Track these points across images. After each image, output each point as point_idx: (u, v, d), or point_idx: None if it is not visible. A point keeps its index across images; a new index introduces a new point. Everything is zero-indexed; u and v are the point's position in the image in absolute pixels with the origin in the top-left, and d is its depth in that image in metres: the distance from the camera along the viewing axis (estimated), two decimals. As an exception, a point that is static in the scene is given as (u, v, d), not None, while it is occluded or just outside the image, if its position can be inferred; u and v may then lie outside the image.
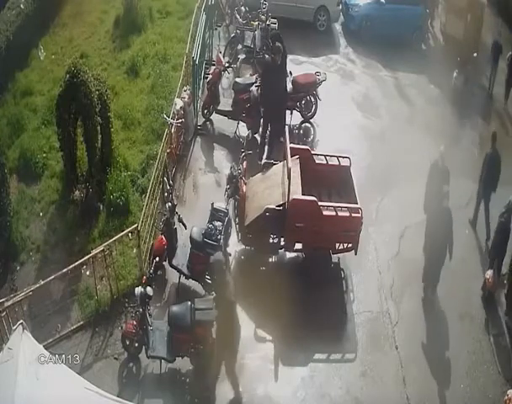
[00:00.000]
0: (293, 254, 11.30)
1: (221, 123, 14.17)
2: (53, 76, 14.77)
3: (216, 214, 10.47)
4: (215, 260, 8.98)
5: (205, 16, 14.77)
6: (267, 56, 13.34)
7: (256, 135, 13.81)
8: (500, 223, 11.04)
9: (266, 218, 10.57)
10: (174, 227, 10.65)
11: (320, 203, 10.59)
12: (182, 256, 10.47)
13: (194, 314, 8.93)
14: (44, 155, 12.64)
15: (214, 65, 14.68)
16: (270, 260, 11.33)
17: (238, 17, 16.27)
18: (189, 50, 13.81)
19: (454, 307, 10.76)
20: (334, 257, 11.15)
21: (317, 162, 11.66)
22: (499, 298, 11.05)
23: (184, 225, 10.81)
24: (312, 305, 10.36)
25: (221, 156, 13.54)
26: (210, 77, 14.17)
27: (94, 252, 9.70)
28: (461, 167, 13.59)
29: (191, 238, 10.26)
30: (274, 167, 11.66)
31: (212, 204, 10.61)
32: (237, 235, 11.10)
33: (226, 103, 14.11)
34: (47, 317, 9.70)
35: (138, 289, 9.07)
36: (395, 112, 15.49)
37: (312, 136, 14.37)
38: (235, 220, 11.15)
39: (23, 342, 6.62)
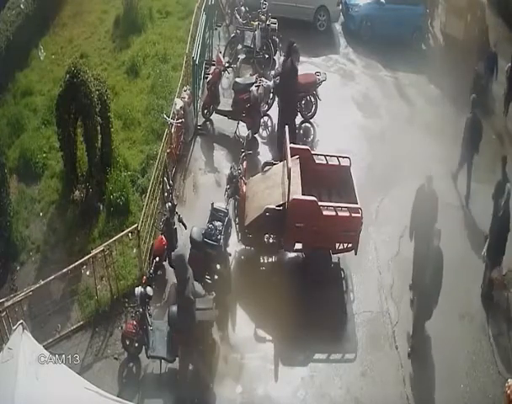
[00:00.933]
0: (293, 254, 11.29)
1: (221, 123, 14.17)
2: (53, 76, 14.78)
3: (215, 214, 10.46)
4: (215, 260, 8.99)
5: (205, 16, 14.78)
6: (286, 61, 13.33)
7: (256, 135, 13.83)
8: (501, 217, 10.73)
9: (266, 218, 10.58)
10: (174, 227, 10.66)
11: (320, 203, 10.59)
12: (182, 256, 10.46)
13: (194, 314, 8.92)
14: (44, 155, 12.65)
15: (214, 65, 14.69)
16: (270, 260, 11.33)
17: (238, 17, 16.26)
18: (189, 50, 13.82)
19: (454, 307, 10.75)
20: (334, 257, 11.15)
21: (317, 162, 11.66)
22: (499, 298, 11.07)
23: (184, 225, 10.82)
24: (311, 305, 10.37)
25: (221, 156, 13.54)
26: (210, 77, 14.18)
27: (94, 252, 9.70)
28: (460, 168, 13.63)
29: (191, 238, 10.26)
30: (274, 167, 11.66)
31: (212, 204, 10.61)
32: (237, 235, 11.10)
33: (226, 103, 14.11)
34: (47, 317, 9.70)
35: (138, 289, 9.08)
36: (395, 112, 15.49)
37: (312, 136, 14.38)
38: (235, 220, 11.15)
39: (23, 342, 6.62)
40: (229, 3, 18.25)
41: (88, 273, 10.22)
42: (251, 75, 14.98)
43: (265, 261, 11.32)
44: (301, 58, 16.67)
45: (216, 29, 17.43)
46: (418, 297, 10.10)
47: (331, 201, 11.05)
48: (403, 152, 13.87)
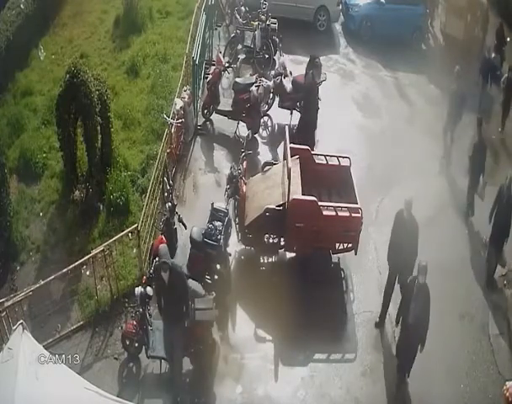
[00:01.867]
0: (293, 254, 11.29)
1: (221, 123, 14.18)
2: (53, 76, 14.78)
3: (215, 214, 10.47)
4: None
5: (205, 16, 14.79)
6: (307, 75, 13.38)
7: (256, 135, 13.83)
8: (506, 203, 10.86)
9: (266, 218, 10.57)
10: (174, 227, 10.66)
11: (320, 203, 10.59)
12: (182, 256, 10.47)
13: (194, 314, 8.92)
14: (44, 155, 12.65)
15: (214, 65, 14.69)
16: (270, 260, 11.33)
17: (238, 17, 16.27)
18: (189, 50, 13.82)
19: (454, 307, 10.76)
20: (334, 257, 11.15)
21: (317, 162, 11.66)
22: (499, 298, 11.07)
23: (184, 225, 10.82)
24: (312, 305, 10.36)
25: (221, 156, 13.54)
26: (210, 77, 14.19)
27: (94, 252, 9.70)
28: (460, 167, 13.64)
29: (191, 238, 10.27)
30: (274, 167, 11.67)
31: (212, 204, 10.61)
32: (237, 235, 11.10)
33: (226, 103, 14.12)
34: (47, 317, 9.70)
35: (138, 289, 9.08)
36: (395, 112, 15.50)
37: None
38: (235, 220, 11.15)
39: (23, 342, 6.62)
40: (229, 3, 18.26)
41: (88, 273, 10.22)
42: (251, 75, 14.99)
43: (265, 261, 11.32)
44: (301, 58, 16.76)
45: (216, 29, 17.44)
46: (404, 335, 9.29)
47: (331, 201, 11.06)
48: (403, 152, 13.88)
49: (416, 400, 9.39)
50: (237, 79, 14.22)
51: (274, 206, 10.61)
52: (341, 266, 11.28)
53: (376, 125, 14.95)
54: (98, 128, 11.42)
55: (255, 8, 16.12)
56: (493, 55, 16.06)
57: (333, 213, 10.59)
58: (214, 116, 14.20)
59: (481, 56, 16.13)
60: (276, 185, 11.05)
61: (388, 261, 10.29)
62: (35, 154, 12.57)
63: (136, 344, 9.29)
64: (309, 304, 10.34)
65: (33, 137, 13.01)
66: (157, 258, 10.01)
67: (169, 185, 11.31)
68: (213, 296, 9.39)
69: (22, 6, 15.43)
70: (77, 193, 11.60)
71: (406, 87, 16.59)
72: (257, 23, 15.71)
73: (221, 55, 14.79)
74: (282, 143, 12.42)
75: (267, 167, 11.75)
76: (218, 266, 10.17)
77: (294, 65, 15.78)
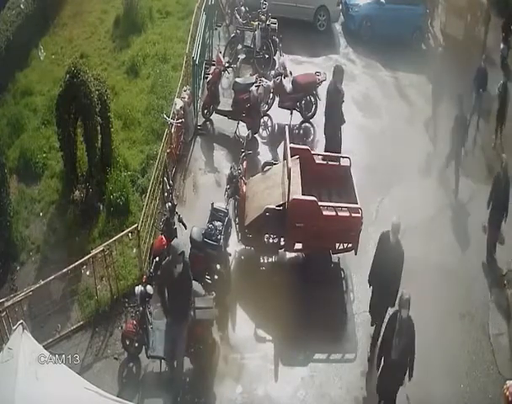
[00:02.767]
0: (293, 254, 11.29)
1: (221, 123, 14.17)
2: (53, 76, 14.76)
3: (216, 214, 10.47)
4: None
5: (205, 16, 14.79)
6: (330, 82, 13.13)
7: (256, 135, 13.83)
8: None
9: (266, 218, 10.57)
10: (174, 227, 10.65)
11: (320, 203, 10.59)
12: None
13: (194, 313, 8.92)
14: (44, 155, 12.64)
15: (214, 65, 14.69)
16: (270, 260, 11.33)
17: (238, 17, 16.27)
18: (189, 50, 13.82)
19: (454, 307, 10.76)
20: (334, 257, 11.15)
21: (317, 162, 11.66)
22: (499, 298, 11.08)
23: (184, 225, 10.82)
24: (312, 305, 10.37)
25: (221, 156, 13.54)
26: (210, 77, 14.18)
27: (94, 252, 9.70)
28: (460, 167, 13.64)
29: (191, 238, 10.27)
30: (275, 167, 11.67)
31: (212, 204, 10.62)
32: (237, 235, 11.09)
33: (226, 103, 14.12)
34: (47, 317, 9.70)
35: (138, 288, 9.08)
36: (395, 112, 15.49)
37: (312, 136, 14.38)
38: (235, 220, 11.15)
39: (23, 342, 6.61)
40: (229, 3, 18.26)
41: (88, 273, 10.22)
42: (251, 75, 14.99)
43: (265, 261, 11.32)
44: (301, 58, 16.81)
45: (216, 29, 17.44)
46: (386, 372, 8.78)
47: (331, 201, 11.05)
48: (403, 152, 13.87)
49: (416, 400, 9.38)
50: (237, 79, 14.22)
51: (274, 206, 10.61)
52: (341, 266, 11.28)
53: (376, 125, 14.95)
54: (98, 128, 11.42)
55: (255, 8, 16.12)
56: (501, 45, 15.99)
57: (333, 213, 10.59)
58: (214, 116, 14.20)
59: (478, 67, 15.48)
60: (276, 185, 11.04)
61: (369, 283, 9.89)
62: (35, 154, 12.57)
63: (136, 344, 9.30)
64: (309, 304, 10.34)
65: (33, 137, 13.00)
66: (157, 258, 10.04)
67: (169, 185, 11.31)
68: (213, 296, 9.40)
69: (22, 6, 15.41)
70: (77, 193, 11.59)
71: (406, 87, 16.58)
72: (257, 23, 15.71)
73: (221, 55, 14.79)
74: (282, 143, 12.42)
75: (267, 167, 11.75)
76: (218, 266, 10.18)
77: (294, 65, 15.81)
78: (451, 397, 9.51)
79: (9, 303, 9.02)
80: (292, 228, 10.61)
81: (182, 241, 8.89)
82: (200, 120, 14.19)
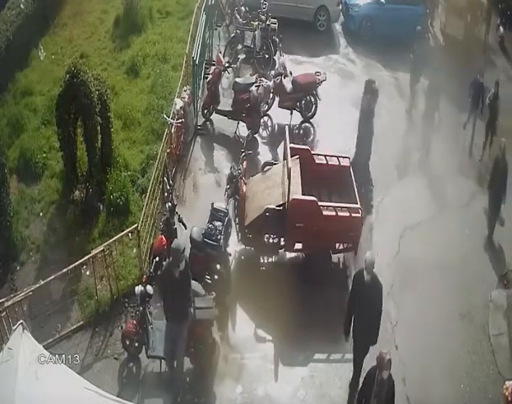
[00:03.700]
0: (293, 254, 11.29)
1: (221, 123, 14.18)
2: (53, 76, 14.75)
3: (216, 214, 10.47)
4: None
5: (205, 16, 14.79)
6: (363, 98, 13.29)
7: (256, 135, 13.83)
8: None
9: (266, 218, 10.58)
10: (174, 227, 10.65)
11: (320, 203, 10.59)
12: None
13: (194, 313, 8.92)
14: (44, 155, 12.64)
15: (214, 65, 14.69)
16: (270, 260, 11.33)
17: (238, 17, 16.28)
18: (189, 50, 13.82)
19: (454, 307, 10.76)
20: (334, 257, 11.15)
21: (317, 162, 11.66)
22: (499, 298, 11.07)
23: (184, 225, 10.82)
24: (312, 305, 10.36)
25: (221, 156, 13.54)
26: (210, 77, 14.19)
27: (94, 252, 9.70)
28: (459, 167, 13.66)
29: (191, 238, 10.27)
30: (275, 167, 11.67)
31: (212, 204, 10.62)
32: (237, 235, 11.09)
33: (226, 103, 14.12)
34: (47, 317, 9.70)
35: (138, 288, 9.08)
36: (395, 112, 15.48)
37: (312, 136, 14.38)
38: (235, 220, 11.15)
39: (23, 342, 6.61)
40: (229, 3, 18.26)
41: (87, 273, 10.22)
42: (251, 75, 15.00)
43: (265, 261, 11.32)
44: (301, 58, 16.81)
45: (216, 29, 17.44)
46: None
47: (331, 201, 11.06)
48: (403, 152, 13.88)
49: (416, 400, 9.38)
50: (237, 79, 14.23)
51: (274, 206, 10.61)
52: (341, 266, 11.27)
53: (376, 125, 14.91)
54: (98, 128, 11.42)
55: (255, 8, 16.12)
56: (500, 29, 15.94)
57: (333, 213, 10.59)
58: (214, 116, 14.20)
59: (472, 79, 14.96)
60: (276, 185, 11.05)
61: (344, 331, 9.06)
62: (35, 154, 12.57)
63: (136, 344, 9.29)
64: (309, 304, 10.34)
65: (33, 137, 13.00)
66: (157, 258, 10.04)
67: (169, 185, 11.31)
68: (213, 296, 9.40)
69: (22, 6, 15.41)
70: (77, 193, 11.59)
71: (406, 87, 16.56)
72: (257, 23, 15.72)
73: (221, 55, 14.80)
74: (282, 143, 12.41)
75: (267, 167, 11.75)
76: (218, 266, 10.18)
77: (294, 65, 15.81)
78: (451, 397, 9.50)
79: (9, 303, 9.02)
80: (292, 228, 10.61)
81: (182, 242, 8.89)
82: (200, 120, 14.19)
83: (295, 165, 10.93)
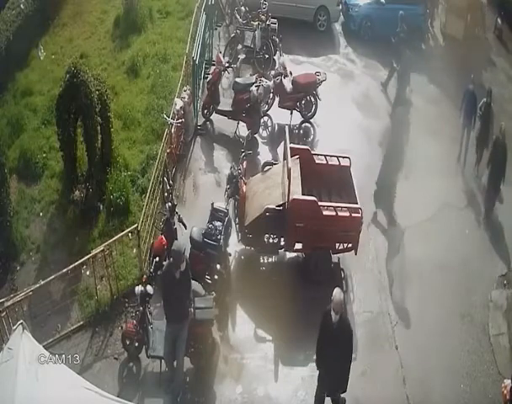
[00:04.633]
0: (293, 254, 11.29)
1: (221, 123, 14.17)
2: (53, 76, 14.76)
3: (216, 214, 10.47)
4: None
5: (205, 16, 14.79)
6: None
7: (256, 135, 13.83)
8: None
9: (266, 218, 10.58)
10: (174, 227, 10.65)
11: (320, 203, 10.59)
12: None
13: (194, 313, 8.92)
14: (44, 155, 12.65)
15: (214, 65, 14.69)
16: (270, 260, 11.33)
17: (238, 17, 16.27)
18: (189, 50, 13.82)
19: (454, 307, 10.76)
20: (334, 257, 11.14)
21: (317, 162, 11.65)
22: (499, 298, 11.07)
23: (184, 225, 10.82)
24: (312, 305, 10.34)
25: (221, 156, 13.54)
26: (210, 77, 14.18)
27: (94, 252, 9.70)
28: (459, 167, 13.65)
29: (191, 238, 10.27)
30: (274, 167, 11.67)
31: (212, 204, 10.62)
32: (237, 235, 11.09)
33: (226, 103, 14.11)
34: (47, 317, 9.70)
35: (138, 288, 9.08)
36: (395, 112, 15.47)
37: (312, 136, 14.38)
38: (235, 220, 11.15)
39: (23, 342, 6.62)
40: (229, 3, 18.25)
41: (87, 273, 10.22)
42: (251, 75, 14.99)
43: (265, 261, 11.32)
44: (301, 58, 16.82)
45: (215, 29, 17.43)
46: None
47: (331, 201, 11.06)
48: (403, 152, 13.87)
49: (416, 400, 9.38)
50: (237, 79, 14.22)
51: (274, 206, 10.61)
52: (341, 266, 11.28)
53: (376, 125, 14.95)
54: (98, 128, 11.42)
55: (255, 8, 16.11)
56: (498, 21, 15.99)
57: (333, 213, 10.59)
58: (214, 116, 14.20)
59: (465, 89, 13.91)
60: (276, 185, 11.04)
61: (317, 366, 8.62)
62: (35, 154, 12.57)
63: (136, 344, 9.29)
64: (309, 304, 10.33)
65: (33, 137, 13.01)
66: (157, 258, 10.03)
67: (169, 185, 11.31)
68: (213, 296, 9.40)
69: (22, 6, 15.42)
70: (77, 193, 11.59)
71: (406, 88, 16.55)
72: (257, 23, 15.70)
73: (221, 55, 14.79)
74: (282, 143, 12.41)
75: (267, 167, 11.75)
76: (218, 266, 10.18)
77: (294, 65, 15.81)
78: (451, 397, 9.50)
79: (9, 303, 9.03)
80: (292, 228, 10.61)
81: (183, 243, 8.89)
82: (200, 120, 14.19)
83: (295, 165, 10.93)
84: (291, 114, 14.34)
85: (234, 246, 11.08)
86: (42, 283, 9.44)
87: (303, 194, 10.61)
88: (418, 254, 11.54)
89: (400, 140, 14.29)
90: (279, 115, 14.50)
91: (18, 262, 10.89)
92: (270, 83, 13.90)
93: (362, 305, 10.68)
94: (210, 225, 10.28)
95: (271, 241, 11.04)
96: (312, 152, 11.85)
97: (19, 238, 11.13)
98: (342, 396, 8.67)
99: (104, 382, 8.78)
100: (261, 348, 9.93)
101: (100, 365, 9.37)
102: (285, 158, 11.32)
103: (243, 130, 13.85)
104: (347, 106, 15.41)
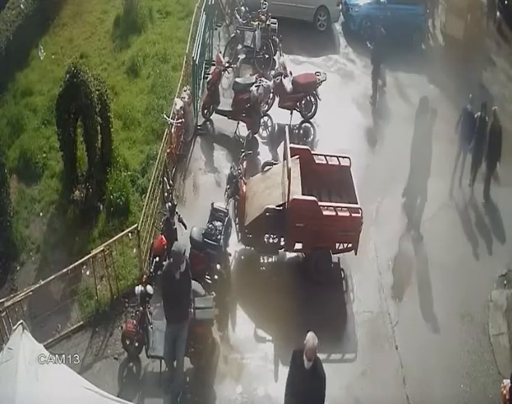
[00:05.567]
0: (293, 254, 11.29)
1: (221, 123, 14.17)
2: (53, 76, 14.76)
3: (215, 214, 10.47)
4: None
5: (205, 16, 14.80)
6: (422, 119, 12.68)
7: (256, 135, 13.83)
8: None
9: (266, 218, 10.58)
10: (174, 227, 10.65)
11: (320, 203, 10.59)
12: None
13: (194, 313, 8.92)
14: (44, 155, 12.65)
15: (214, 65, 14.69)
16: (270, 260, 11.33)
17: (238, 17, 16.27)
18: (189, 50, 13.82)
19: (454, 307, 10.76)
20: (334, 257, 11.14)
21: (317, 162, 11.66)
22: (499, 298, 11.07)
23: (184, 225, 10.82)
24: (311, 305, 10.36)
25: (221, 156, 13.54)
26: (210, 77, 14.19)
27: (94, 252, 9.70)
28: (460, 166, 13.62)
29: (191, 238, 10.27)
30: (274, 167, 11.67)
31: (212, 204, 10.62)
32: (237, 235, 11.09)
33: (226, 103, 14.11)
34: (47, 317, 9.69)
35: (138, 288, 9.08)
36: (395, 112, 15.48)
37: (312, 136, 14.38)
38: (235, 220, 11.15)
39: (23, 342, 6.62)
40: (229, 3, 18.26)
41: (87, 273, 10.22)
42: (251, 75, 15.00)
43: (265, 261, 11.32)
44: (301, 58, 16.82)
45: (215, 29, 17.44)
46: None
47: (331, 201, 11.06)
48: (403, 152, 13.84)
49: (416, 400, 9.38)
50: (237, 79, 14.22)
51: (274, 206, 10.61)
52: (341, 266, 11.28)
53: (376, 125, 14.95)
54: (98, 128, 11.42)
55: (255, 8, 16.12)
56: (497, 14, 16.10)
57: (333, 213, 10.59)
58: (214, 116, 14.20)
59: (462, 110, 13.28)
60: (276, 185, 11.04)
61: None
62: (35, 154, 12.58)
63: (136, 344, 9.29)
64: (309, 304, 10.34)
65: (33, 137, 13.01)
66: (157, 258, 10.04)
67: (169, 185, 11.31)
68: (213, 296, 9.40)
69: (22, 6, 15.43)
70: (77, 193, 11.59)
71: (406, 88, 16.56)
72: (257, 23, 15.71)
73: (221, 55, 14.80)
74: (282, 143, 12.42)
75: (267, 167, 11.75)
76: (218, 266, 10.18)
77: (294, 65, 15.82)
78: (451, 397, 9.50)
79: (9, 303, 9.03)
80: (292, 228, 10.61)
81: (183, 244, 8.89)
82: (200, 120, 14.19)
83: (295, 165, 10.93)
84: (291, 114, 14.34)
85: (234, 246, 11.08)
86: (42, 283, 9.43)
87: (303, 194, 10.61)
88: (418, 254, 11.54)
89: (399, 140, 14.28)
90: (279, 115, 14.51)
91: (18, 262, 10.89)
92: (270, 83, 13.90)
93: (362, 305, 10.68)
94: (210, 225, 10.28)
95: (271, 241, 11.04)
96: (312, 152, 11.85)
97: (19, 238, 11.13)
98: None
99: (104, 382, 8.77)
100: (261, 348, 9.92)
101: (100, 365, 9.37)
102: (285, 158, 11.32)
103: (243, 130, 13.85)
104: (347, 106, 15.41)
